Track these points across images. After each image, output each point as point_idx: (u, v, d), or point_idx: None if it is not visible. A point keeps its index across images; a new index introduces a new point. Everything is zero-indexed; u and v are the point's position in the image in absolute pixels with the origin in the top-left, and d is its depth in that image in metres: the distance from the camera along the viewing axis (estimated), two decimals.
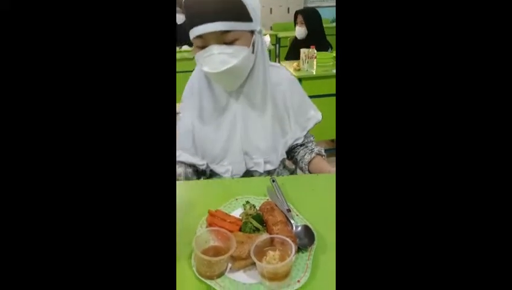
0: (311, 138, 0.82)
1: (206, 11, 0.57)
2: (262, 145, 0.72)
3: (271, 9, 4.78)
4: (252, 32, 0.62)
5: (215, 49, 0.59)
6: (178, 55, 2.64)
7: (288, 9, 4.82)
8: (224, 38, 0.59)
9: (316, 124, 0.81)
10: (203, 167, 0.74)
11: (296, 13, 2.30)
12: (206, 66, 0.61)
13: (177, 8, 2.53)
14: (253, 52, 0.64)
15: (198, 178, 0.78)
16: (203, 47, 0.61)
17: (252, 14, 0.60)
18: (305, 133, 0.79)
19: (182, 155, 0.73)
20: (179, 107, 0.76)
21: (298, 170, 0.87)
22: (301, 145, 0.80)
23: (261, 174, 0.74)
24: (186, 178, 0.73)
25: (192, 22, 0.59)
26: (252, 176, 0.75)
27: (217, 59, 0.59)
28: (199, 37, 0.59)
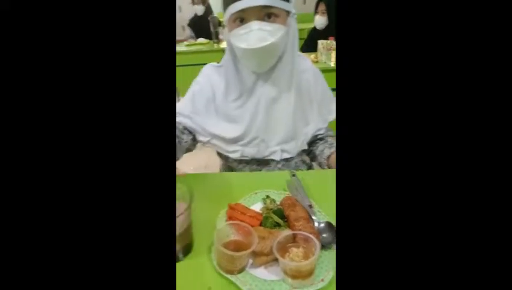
0: (331, 133, 0.80)
1: None
2: (281, 133, 0.71)
3: None
4: (288, 13, 0.62)
5: (255, 25, 0.58)
6: (193, 48, 2.64)
7: (305, 0, 4.71)
8: (264, 13, 0.59)
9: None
10: (205, 140, 0.72)
11: (319, 1, 2.21)
12: (243, 43, 0.60)
13: (196, 0, 2.51)
14: (287, 34, 0.63)
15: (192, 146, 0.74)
16: (241, 23, 0.60)
17: None
18: (326, 125, 0.77)
19: (188, 120, 0.71)
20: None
21: (316, 166, 0.85)
22: (321, 139, 0.78)
23: (277, 162, 0.73)
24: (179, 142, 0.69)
25: None
26: (268, 164, 0.74)
27: (255, 35, 0.59)
28: (239, 12, 0.58)
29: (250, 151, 0.72)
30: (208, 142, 0.73)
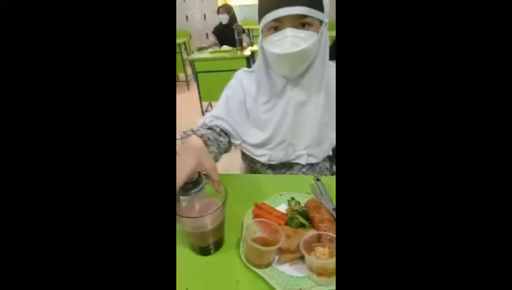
0: None
1: None
2: (308, 137, 0.72)
3: None
4: (321, 22, 0.64)
5: (289, 32, 0.61)
6: (217, 55, 2.72)
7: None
8: (299, 22, 0.61)
9: None
10: (237, 143, 0.75)
11: None
12: (277, 48, 0.63)
13: (222, 10, 2.61)
14: (319, 41, 0.66)
15: (224, 151, 0.74)
16: (276, 30, 0.63)
17: (324, 5, 0.63)
18: None
19: (225, 123, 0.72)
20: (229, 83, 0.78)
21: None
22: None
23: (302, 166, 0.74)
24: (214, 144, 0.66)
25: (269, 7, 0.61)
26: (292, 168, 0.75)
27: (289, 41, 0.61)
28: (275, 20, 0.61)
29: (278, 155, 0.74)
30: (240, 144, 0.76)
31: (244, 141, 0.75)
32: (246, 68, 0.80)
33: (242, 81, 0.77)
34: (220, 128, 0.71)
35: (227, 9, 3.10)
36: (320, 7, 0.62)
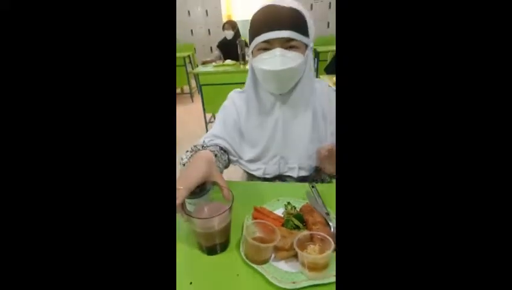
0: None
1: (277, 19, 0.66)
2: (298, 151, 0.78)
3: None
4: (306, 46, 0.71)
5: (279, 51, 0.68)
6: (221, 68, 2.82)
7: (328, 23, 4.88)
8: (287, 45, 0.68)
9: None
10: (234, 160, 0.81)
11: None
12: (267, 66, 0.69)
13: (227, 26, 2.73)
14: (305, 63, 0.72)
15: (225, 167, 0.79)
16: (265, 51, 0.70)
17: (309, 31, 0.70)
18: None
19: (223, 141, 0.78)
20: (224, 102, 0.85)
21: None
22: None
23: (295, 179, 0.80)
24: (219, 159, 0.73)
25: (261, 29, 0.68)
26: (285, 180, 0.81)
27: (278, 60, 0.68)
28: (265, 42, 0.68)
29: (272, 169, 0.80)
30: (237, 161, 0.82)
31: (240, 158, 0.81)
32: (238, 89, 0.86)
33: (234, 101, 0.84)
34: (220, 146, 0.77)
35: (232, 25, 3.24)
36: (305, 33, 0.69)
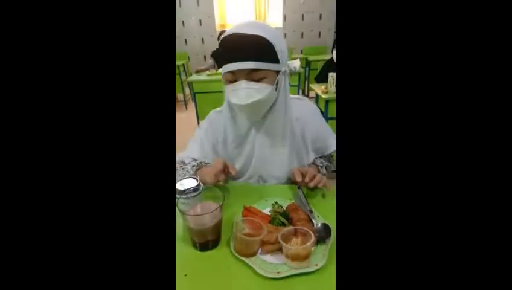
0: (331, 158, 0.90)
1: (239, 50, 0.63)
2: (277, 174, 0.80)
3: (302, 33, 5.02)
4: (278, 72, 0.68)
5: (244, 84, 0.66)
6: (214, 77, 2.88)
7: (320, 33, 5.03)
8: (252, 76, 0.65)
9: (333, 152, 0.88)
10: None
11: None
12: (233, 99, 0.68)
13: (221, 36, 2.75)
14: (276, 89, 0.70)
15: None
16: (232, 81, 0.68)
17: (279, 56, 0.66)
18: (319, 156, 0.87)
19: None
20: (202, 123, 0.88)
21: None
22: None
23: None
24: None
25: (226, 59, 0.66)
26: None
27: (243, 93, 0.66)
28: (230, 72, 0.66)
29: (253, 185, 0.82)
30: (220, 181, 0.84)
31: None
32: (217, 108, 0.86)
33: (212, 122, 0.85)
34: (196, 168, 0.79)
35: None
36: (273, 60, 0.65)
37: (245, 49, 0.63)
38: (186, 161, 0.82)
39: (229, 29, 0.68)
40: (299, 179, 0.71)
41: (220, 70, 2.54)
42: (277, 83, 0.69)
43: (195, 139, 0.86)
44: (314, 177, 0.71)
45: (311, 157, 0.85)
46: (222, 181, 0.64)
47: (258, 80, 0.66)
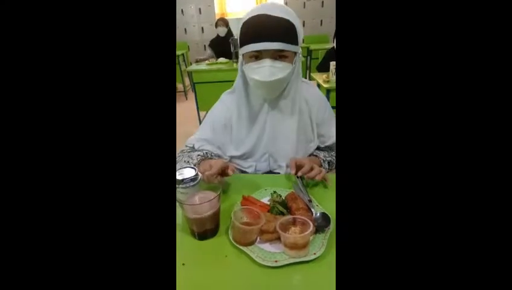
0: (332, 152, 0.90)
1: (268, 31, 0.68)
2: (286, 151, 0.82)
3: (304, 21, 4.93)
4: (295, 53, 0.74)
5: (268, 62, 0.70)
6: (214, 66, 2.85)
7: (322, 21, 4.94)
8: (276, 55, 0.70)
9: (334, 143, 0.89)
10: (228, 160, 0.86)
11: None
12: (257, 75, 0.71)
13: (220, 22, 2.75)
14: (293, 70, 0.75)
15: None
16: (256, 58, 0.72)
17: (298, 39, 0.72)
18: (323, 146, 0.89)
19: (213, 147, 0.84)
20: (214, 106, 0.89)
21: None
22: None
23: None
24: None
25: (252, 39, 0.69)
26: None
27: (267, 71, 0.70)
28: (256, 51, 0.70)
29: (262, 166, 0.85)
30: (230, 160, 0.86)
31: (232, 157, 0.85)
32: (228, 90, 0.88)
33: (226, 103, 0.87)
34: (206, 151, 0.82)
35: (225, 22, 3.25)
36: (294, 41, 0.71)
37: (273, 30, 0.67)
38: (197, 146, 0.84)
39: (251, 11, 0.71)
40: (292, 171, 0.71)
41: (220, 59, 2.52)
42: (294, 63, 0.74)
43: (206, 122, 0.88)
44: (311, 170, 0.71)
45: (316, 140, 0.86)
46: (218, 181, 0.64)
47: (281, 59, 0.71)
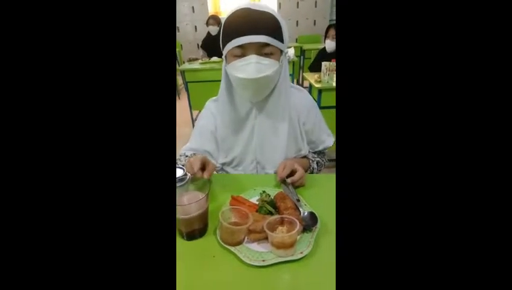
0: (321, 154, 0.91)
1: (253, 23, 0.64)
2: (275, 159, 0.80)
3: (297, 21, 4.94)
4: (281, 52, 0.70)
5: (254, 59, 0.66)
6: (207, 66, 2.83)
7: (315, 21, 4.96)
8: (262, 51, 0.66)
9: (325, 148, 0.88)
10: (218, 168, 0.85)
11: (329, 27, 2.36)
12: (241, 73, 0.67)
13: (211, 21, 2.73)
14: (280, 69, 0.71)
15: None
16: (240, 57, 0.67)
17: (284, 36, 0.69)
18: (312, 151, 0.88)
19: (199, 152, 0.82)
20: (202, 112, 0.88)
21: None
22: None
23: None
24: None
25: (236, 32, 0.65)
26: None
27: (253, 67, 0.66)
28: (240, 47, 0.66)
29: (250, 173, 0.83)
30: (221, 168, 0.85)
31: (222, 163, 0.84)
32: (213, 97, 0.86)
33: (211, 110, 0.84)
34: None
35: (217, 20, 3.22)
36: (280, 38, 0.67)
37: (258, 23, 0.64)
38: (188, 154, 0.82)
39: (233, 9, 0.68)
40: (280, 179, 0.72)
41: (213, 58, 2.49)
42: (281, 62, 0.71)
43: (194, 131, 0.87)
44: (293, 173, 0.71)
45: (306, 145, 0.85)
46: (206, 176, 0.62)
47: (266, 56, 0.67)
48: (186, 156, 0.81)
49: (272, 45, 0.66)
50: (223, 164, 0.85)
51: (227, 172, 0.85)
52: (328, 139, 0.87)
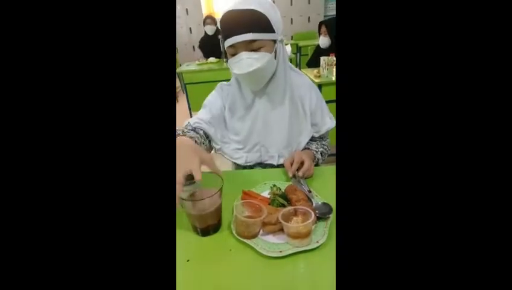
0: (323, 141, 0.92)
1: (236, 24, 0.69)
2: (278, 140, 0.83)
3: (292, 19, 4.94)
4: (275, 41, 0.74)
5: (244, 55, 0.71)
6: (205, 66, 2.83)
7: (309, 18, 4.96)
8: (251, 47, 0.71)
9: (328, 130, 0.90)
10: (217, 148, 0.86)
11: (320, 24, 2.40)
12: (236, 70, 0.74)
13: (209, 20, 2.75)
14: (275, 58, 0.75)
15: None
16: (234, 55, 0.73)
17: (274, 27, 0.72)
18: (317, 136, 0.89)
19: (209, 127, 0.81)
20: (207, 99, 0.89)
21: None
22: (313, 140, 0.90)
23: (275, 167, 0.85)
24: (200, 145, 0.76)
25: (226, 34, 0.71)
26: (265, 168, 0.86)
27: (244, 63, 0.72)
28: (231, 46, 0.72)
29: (253, 157, 0.85)
30: (220, 149, 0.86)
31: (223, 146, 0.85)
32: (225, 82, 0.90)
33: (222, 91, 0.89)
34: (204, 131, 0.80)
35: (214, 20, 3.22)
36: (269, 29, 0.71)
37: (241, 23, 0.69)
38: (192, 123, 0.80)
39: (226, 8, 0.72)
40: (290, 174, 0.72)
41: (211, 59, 2.54)
42: (275, 52, 0.75)
43: (204, 105, 0.88)
44: (301, 164, 0.73)
45: (309, 126, 0.86)
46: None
47: (257, 50, 0.72)
48: (191, 130, 0.78)
49: (259, 40, 0.70)
50: (223, 147, 0.85)
51: (228, 156, 0.86)
52: (331, 122, 0.90)
